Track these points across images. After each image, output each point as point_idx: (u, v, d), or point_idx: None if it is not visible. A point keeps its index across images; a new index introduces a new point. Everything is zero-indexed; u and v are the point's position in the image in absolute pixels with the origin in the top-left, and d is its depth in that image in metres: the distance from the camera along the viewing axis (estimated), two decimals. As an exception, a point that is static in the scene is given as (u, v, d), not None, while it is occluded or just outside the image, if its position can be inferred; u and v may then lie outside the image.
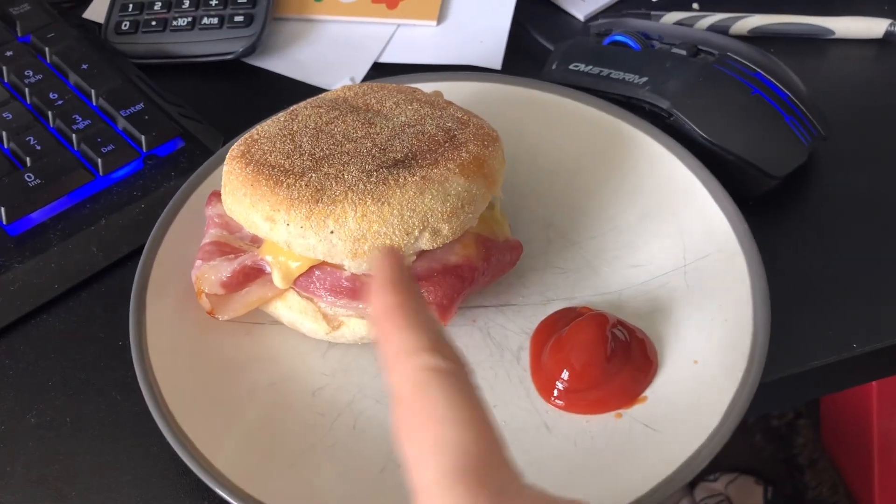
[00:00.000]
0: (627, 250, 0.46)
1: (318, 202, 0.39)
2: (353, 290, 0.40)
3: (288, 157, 0.41)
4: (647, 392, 0.40)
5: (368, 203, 0.38)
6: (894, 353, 0.44)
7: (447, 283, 0.41)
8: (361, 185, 0.39)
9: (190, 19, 0.60)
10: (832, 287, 0.46)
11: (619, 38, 0.54)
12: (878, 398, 0.89)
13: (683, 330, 0.42)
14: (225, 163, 0.42)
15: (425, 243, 0.39)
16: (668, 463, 0.37)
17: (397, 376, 0.27)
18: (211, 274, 0.42)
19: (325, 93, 0.47)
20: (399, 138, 0.41)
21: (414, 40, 0.61)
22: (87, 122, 0.52)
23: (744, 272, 0.43)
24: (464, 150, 0.41)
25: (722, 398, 0.38)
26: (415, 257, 0.40)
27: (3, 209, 0.47)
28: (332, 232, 0.38)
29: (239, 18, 0.59)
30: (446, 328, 0.43)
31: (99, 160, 0.50)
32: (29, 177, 0.49)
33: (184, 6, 0.61)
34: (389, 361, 0.27)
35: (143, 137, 0.51)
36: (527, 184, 0.49)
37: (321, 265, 0.40)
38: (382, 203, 0.38)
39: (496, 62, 0.59)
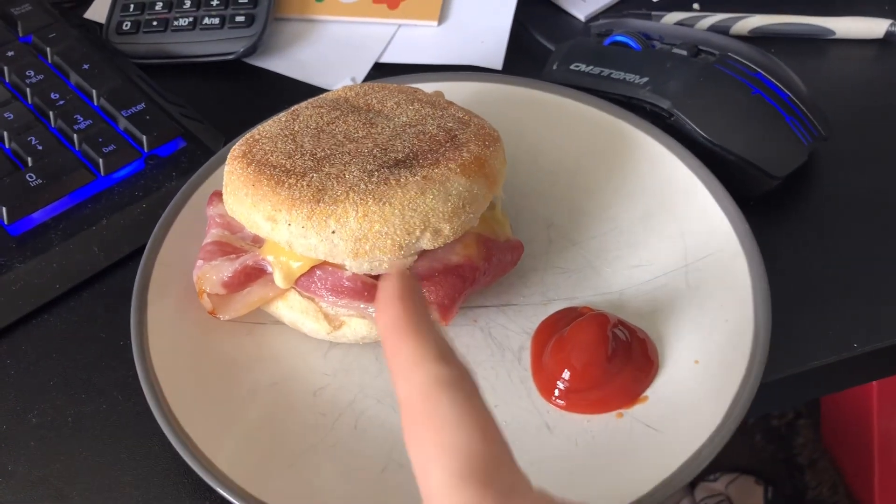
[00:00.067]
0: (628, 250, 0.46)
1: (319, 202, 0.39)
2: (354, 289, 0.40)
3: (289, 157, 0.41)
4: (648, 392, 0.40)
5: (370, 203, 0.38)
6: (895, 353, 0.44)
7: (448, 282, 0.41)
8: (363, 185, 0.39)
9: (191, 19, 0.60)
10: (833, 287, 0.46)
11: (619, 38, 0.54)
12: (879, 398, 0.89)
13: (684, 330, 0.42)
14: (226, 163, 0.42)
15: (426, 243, 0.39)
16: (669, 463, 0.37)
17: (406, 385, 0.27)
18: (212, 274, 0.42)
19: (327, 93, 0.47)
20: (400, 138, 0.41)
21: (415, 40, 0.61)
22: (88, 122, 0.52)
23: (745, 272, 0.43)
24: (465, 150, 0.41)
25: (723, 398, 0.38)
26: (416, 257, 0.40)
27: (4, 209, 0.47)
28: (333, 232, 0.38)
29: (240, 18, 0.60)
30: (448, 332, 0.43)
31: (100, 160, 0.50)
32: (30, 177, 0.49)
33: (185, 6, 0.61)
34: (398, 371, 0.28)
35: (144, 137, 0.51)
36: (528, 184, 0.49)
37: (322, 265, 0.40)
38: (384, 203, 0.38)
39: (497, 62, 0.59)
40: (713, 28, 0.60)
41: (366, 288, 0.40)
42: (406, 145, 0.41)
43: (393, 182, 0.39)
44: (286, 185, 0.39)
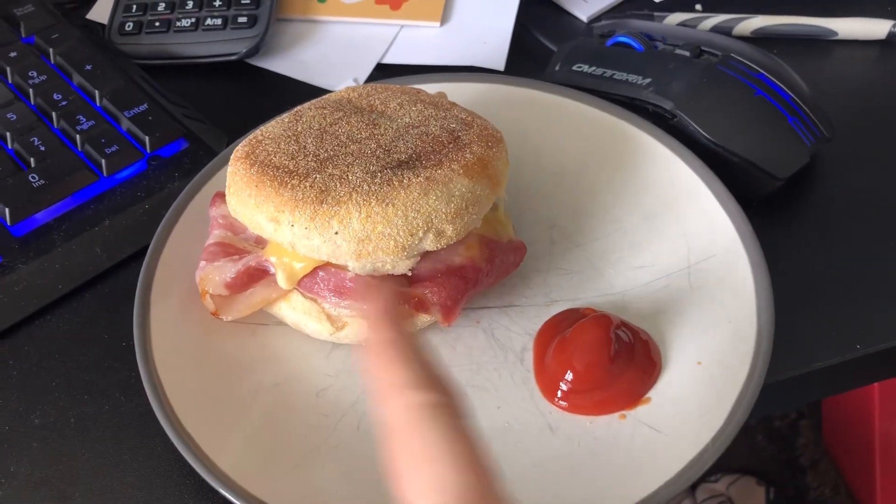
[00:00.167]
0: (631, 251, 0.46)
1: (322, 203, 0.39)
2: (357, 290, 0.40)
3: (292, 158, 0.41)
4: (651, 393, 0.40)
5: (373, 204, 0.38)
6: (897, 355, 0.44)
7: (451, 284, 0.41)
8: (366, 186, 0.39)
9: (193, 20, 0.60)
10: (835, 288, 0.46)
11: (622, 39, 0.54)
12: (880, 399, 0.89)
13: (687, 331, 0.42)
14: (229, 163, 0.42)
15: (429, 244, 0.39)
16: (672, 464, 0.37)
17: (389, 412, 0.27)
18: (215, 275, 0.42)
19: (329, 94, 0.47)
20: (403, 139, 0.41)
21: (417, 41, 0.61)
22: (90, 123, 0.52)
23: (747, 273, 0.43)
24: (468, 151, 0.41)
25: (726, 399, 0.38)
26: (419, 258, 0.40)
27: (7, 210, 0.47)
28: (336, 233, 0.38)
29: (242, 19, 0.60)
30: (451, 333, 0.43)
31: (103, 161, 0.50)
32: (33, 177, 0.49)
33: (187, 7, 0.61)
34: (381, 396, 0.28)
35: (146, 138, 0.51)
36: (530, 185, 0.49)
37: (325, 266, 0.40)
38: (387, 204, 0.38)
39: (499, 63, 0.59)
40: (716, 29, 0.60)
41: (367, 288, 0.40)
42: (409, 146, 0.41)
43: (396, 183, 0.39)
44: (289, 186, 0.39)
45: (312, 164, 0.40)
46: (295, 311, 0.42)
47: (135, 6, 0.61)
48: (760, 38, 0.60)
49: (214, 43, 0.59)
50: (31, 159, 0.50)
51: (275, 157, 0.41)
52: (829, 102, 0.51)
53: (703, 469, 0.37)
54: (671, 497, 0.36)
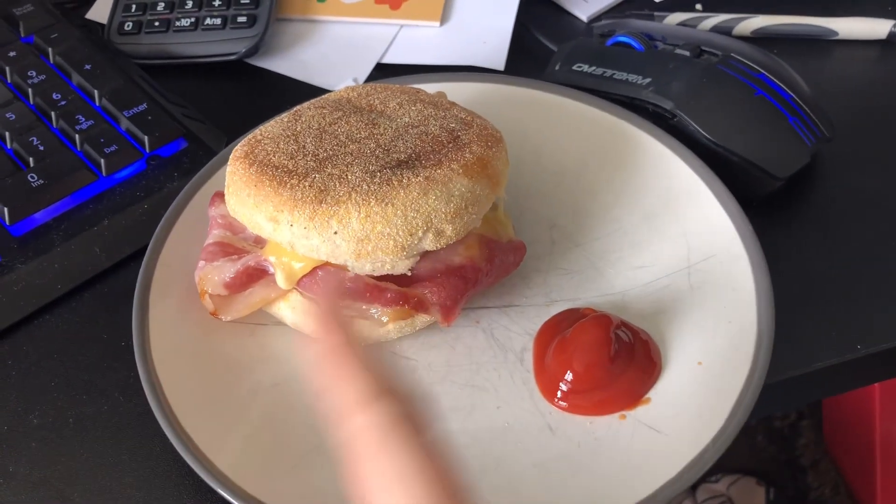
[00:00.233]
0: (631, 251, 0.46)
1: (321, 203, 0.38)
2: (356, 291, 0.40)
3: (291, 158, 0.41)
4: (651, 393, 0.40)
5: (372, 204, 0.38)
6: (898, 355, 0.44)
7: (451, 284, 0.41)
8: (365, 186, 0.39)
9: (193, 20, 0.60)
10: (836, 288, 0.46)
11: (622, 38, 0.54)
12: (881, 399, 0.88)
13: (687, 331, 0.42)
14: (228, 163, 0.42)
15: (429, 244, 0.39)
16: (672, 465, 0.37)
17: (345, 433, 0.27)
18: (214, 274, 0.42)
19: (329, 93, 0.47)
20: (403, 139, 0.41)
21: (417, 41, 0.61)
22: (90, 123, 0.52)
23: (748, 273, 0.43)
24: (467, 150, 0.41)
25: (726, 400, 0.38)
26: (418, 258, 0.40)
27: (6, 209, 0.47)
28: (335, 233, 0.38)
29: (242, 19, 0.59)
30: (450, 333, 0.43)
31: (102, 161, 0.50)
32: (32, 177, 0.49)
33: (187, 7, 0.61)
34: (336, 418, 0.27)
35: (146, 138, 0.51)
36: (530, 185, 0.49)
37: (325, 266, 0.40)
38: (386, 204, 0.38)
39: (499, 63, 0.59)
40: (716, 29, 0.60)
41: (368, 289, 0.40)
42: (408, 146, 0.41)
43: (395, 183, 0.39)
44: (288, 185, 0.39)
45: (311, 163, 0.40)
46: (294, 310, 0.42)
47: (134, 6, 0.61)
48: (761, 38, 0.60)
49: (214, 43, 0.59)
50: (30, 159, 0.50)
51: (274, 156, 0.41)
52: (829, 102, 0.51)
53: (703, 469, 0.37)
54: (672, 497, 0.36)
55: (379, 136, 0.42)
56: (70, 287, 0.47)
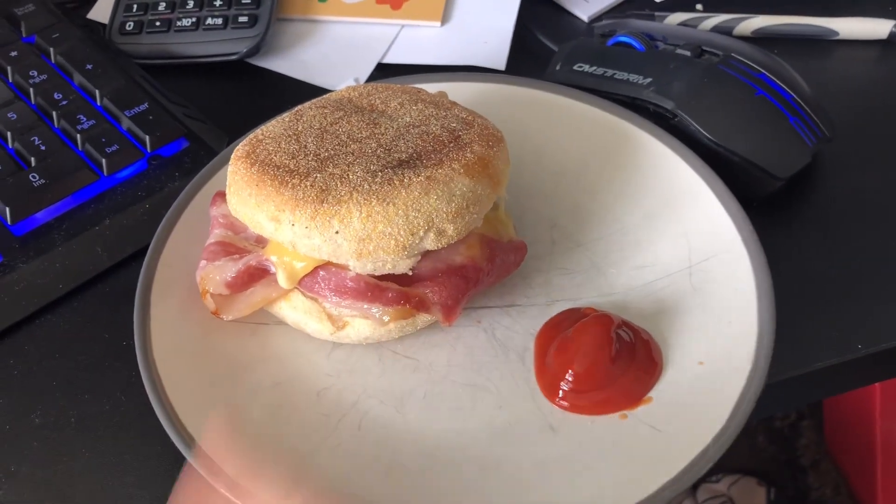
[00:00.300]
0: (632, 251, 0.46)
1: (323, 202, 0.39)
2: (357, 290, 0.40)
3: (293, 158, 0.41)
4: (652, 393, 0.40)
5: (374, 203, 0.38)
6: (899, 355, 0.44)
7: (452, 283, 0.41)
8: (366, 186, 0.39)
9: (194, 20, 0.60)
10: (837, 288, 0.46)
11: (623, 38, 0.54)
12: (882, 399, 0.89)
13: (688, 331, 0.42)
14: (230, 163, 0.42)
15: (430, 243, 0.39)
16: (674, 464, 0.37)
17: None
18: (216, 274, 0.42)
19: (330, 93, 0.47)
20: (404, 139, 0.41)
21: (418, 41, 0.61)
22: (91, 123, 0.52)
23: (748, 273, 0.43)
24: (468, 150, 0.41)
25: (727, 399, 0.38)
26: (419, 257, 0.40)
27: (7, 209, 0.47)
28: (337, 232, 0.38)
29: (243, 19, 0.60)
30: (451, 332, 0.43)
31: (103, 160, 0.50)
32: (33, 177, 0.49)
33: (188, 7, 0.61)
34: None
35: (147, 138, 0.51)
36: (531, 184, 0.49)
37: (326, 265, 0.40)
38: (387, 203, 0.38)
39: (500, 63, 0.59)
40: (716, 29, 0.60)
41: (369, 288, 0.40)
42: (410, 146, 0.41)
43: (397, 182, 0.39)
44: (290, 185, 0.39)
45: (313, 163, 0.40)
46: (296, 310, 0.42)
47: (135, 6, 0.61)
48: (761, 38, 0.60)
49: (215, 42, 0.59)
50: (32, 158, 0.50)
51: (275, 156, 0.41)
52: (830, 102, 0.51)
53: (704, 469, 0.37)
54: (673, 497, 0.36)
55: (380, 136, 0.42)
56: (71, 287, 0.47)
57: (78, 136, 0.51)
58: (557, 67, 0.55)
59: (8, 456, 0.42)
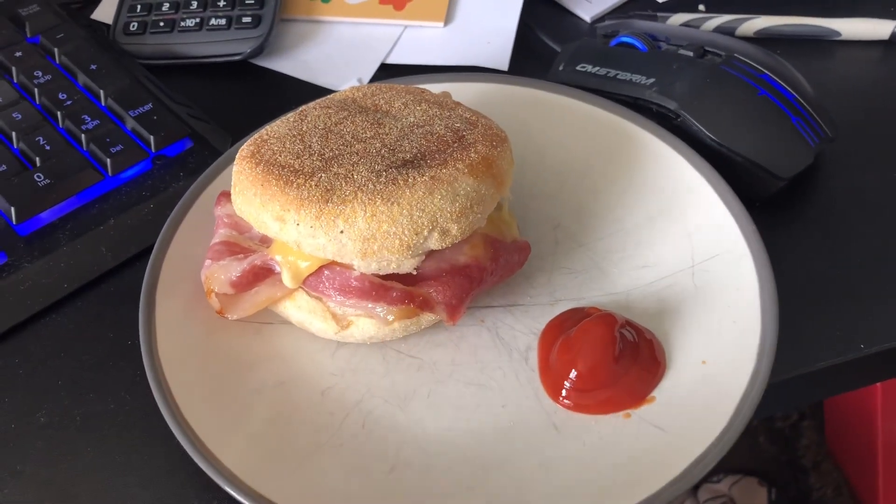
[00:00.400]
0: (635, 251, 0.46)
1: (327, 202, 0.39)
2: (362, 289, 0.40)
3: (298, 158, 0.41)
4: (656, 392, 0.40)
5: (378, 203, 0.38)
6: (901, 355, 0.44)
7: (456, 283, 0.41)
8: (371, 185, 0.39)
9: (198, 20, 0.60)
10: (839, 288, 0.46)
11: (625, 39, 0.54)
12: (883, 400, 0.89)
13: (691, 330, 0.42)
14: (235, 162, 0.43)
15: (434, 243, 0.40)
16: (676, 463, 0.37)
17: None
18: (220, 273, 0.42)
19: (334, 93, 0.47)
20: (408, 139, 0.42)
21: (421, 41, 0.61)
22: (95, 123, 0.52)
23: (751, 273, 0.43)
24: (472, 150, 0.41)
25: (730, 399, 0.38)
26: (423, 257, 0.40)
27: (12, 209, 0.48)
28: (341, 232, 0.38)
29: (247, 19, 0.60)
30: (455, 332, 0.43)
31: (108, 160, 0.50)
32: (38, 177, 0.49)
33: (192, 7, 0.61)
34: None
35: (151, 138, 0.51)
36: (535, 184, 0.49)
37: (330, 265, 0.41)
38: (392, 203, 0.39)
39: (503, 63, 0.59)
40: (719, 29, 0.60)
41: (374, 288, 0.40)
42: (414, 146, 0.41)
43: (401, 182, 0.39)
44: (295, 185, 0.39)
45: (318, 163, 0.40)
46: (300, 309, 0.42)
47: (139, 6, 0.62)
48: (764, 39, 0.60)
49: (219, 43, 0.59)
50: (37, 158, 0.50)
51: (280, 156, 0.41)
52: (832, 102, 0.51)
53: (707, 468, 0.37)
54: (675, 496, 0.36)
55: (384, 136, 0.42)
56: (76, 286, 0.48)
57: (82, 136, 0.51)
58: (560, 68, 0.55)
59: (13, 455, 0.42)
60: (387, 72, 0.60)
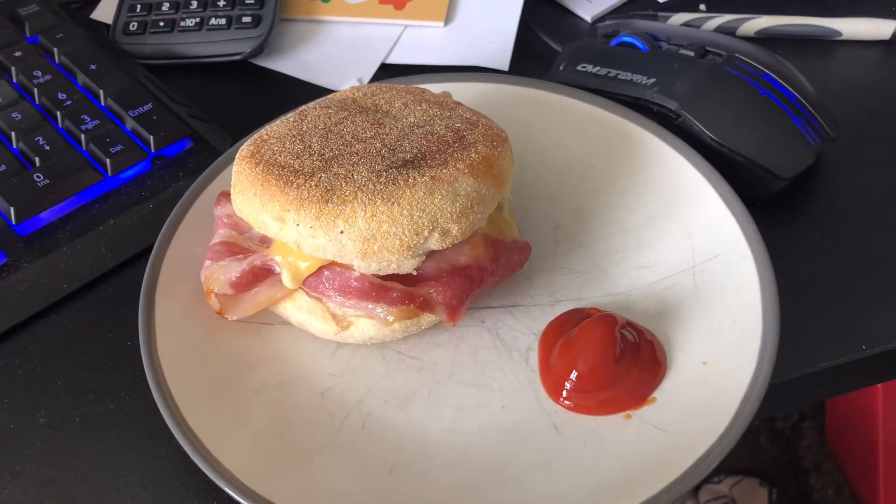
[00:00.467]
0: (636, 251, 0.46)
1: (327, 202, 0.39)
2: (362, 290, 0.40)
3: (297, 158, 0.41)
4: (656, 393, 0.40)
5: (378, 203, 0.38)
6: (903, 355, 0.44)
7: (456, 283, 0.41)
8: (371, 186, 0.39)
9: (198, 20, 0.60)
10: (840, 288, 0.46)
11: (626, 39, 0.54)
12: (884, 400, 0.89)
13: (692, 331, 0.42)
14: (235, 163, 0.42)
15: (434, 243, 0.39)
16: (678, 464, 0.37)
17: None
18: (220, 274, 0.42)
19: (334, 93, 0.47)
20: (408, 139, 0.41)
21: (421, 41, 0.61)
22: (95, 123, 0.52)
23: (752, 273, 0.43)
24: (473, 150, 0.41)
25: (731, 400, 0.38)
26: (424, 257, 0.40)
27: (12, 209, 0.48)
28: (341, 232, 0.38)
29: (247, 19, 0.60)
30: (455, 332, 0.43)
31: (107, 160, 0.50)
32: (38, 177, 0.49)
33: (192, 7, 0.61)
34: None
35: (151, 138, 0.51)
36: (535, 184, 0.49)
37: (330, 265, 0.40)
38: (392, 203, 0.38)
39: (504, 63, 0.59)
40: (720, 29, 0.60)
41: (374, 288, 0.40)
42: (414, 146, 0.41)
43: (401, 182, 0.39)
44: (295, 185, 0.39)
45: (318, 163, 0.40)
46: (300, 310, 0.42)
47: (139, 6, 0.62)
48: (765, 39, 0.60)
49: (218, 43, 0.59)
50: (36, 158, 0.50)
51: (280, 156, 0.41)
52: (833, 103, 0.51)
53: (708, 469, 0.37)
54: (676, 497, 0.36)
55: (384, 136, 0.42)
56: (76, 286, 0.48)
57: (82, 136, 0.51)
58: (561, 68, 0.55)
59: (12, 455, 0.42)
60: (387, 72, 0.60)
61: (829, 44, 0.60)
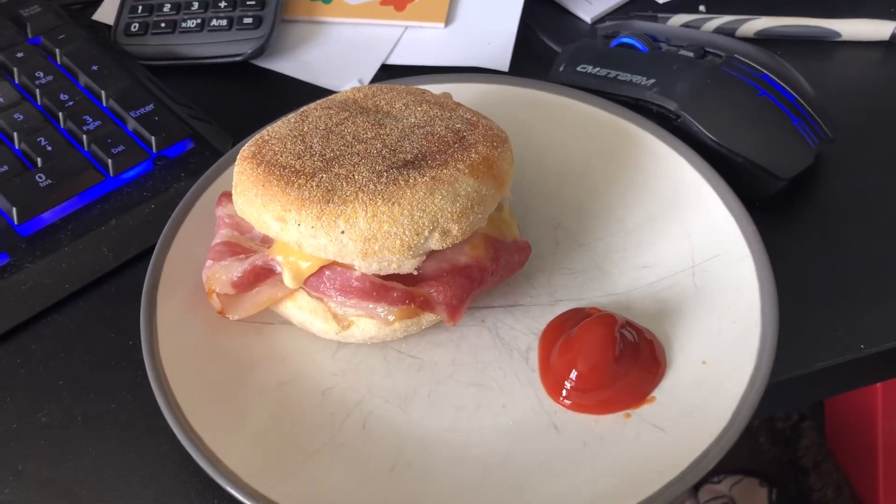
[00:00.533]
0: (635, 251, 0.46)
1: (328, 202, 0.39)
2: (363, 290, 0.40)
3: (299, 158, 0.41)
4: (656, 392, 0.40)
5: (379, 203, 0.39)
6: (901, 355, 0.45)
7: (456, 283, 0.41)
8: (372, 186, 0.39)
9: (199, 21, 0.60)
10: (839, 288, 0.46)
11: (626, 40, 0.54)
12: (884, 400, 0.89)
13: (692, 331, 0.42)
14: (236, 163, 0.43)
15: (435, 243, 0.40)
16: (677, 463, 0.37)
17: None
18: (222, 274, 0.42)
19: (335, 94, 0.47)
20: (409, 139, 0.42)
21: (422, 42, 0.61)
22: (97, 123, 0.52)
23: (751, 273, 0.43)
24: (473, 150, 0.41)
25: (730, 399, 0.38)
26: (424, 257, 0.40)
27: (14, 209, 0.48)
28: (342, 232, 0.39)
29: (248, 20, 0.60)
30: (456, 332, 0.43)
31: (109, 161, 0.50)
32: (40, 177, 0.49)
33: (193, 8, 0.61)
34: None
35: (153, 138, 0.51)
36: (535, 185, 0.49)
37: (331, 265, 0.41)
38: (393, 203, 0.39)
39: (504, 64, 0.59)
40: (719, 30, 0.60)
41: (374, 288, 0.40)
42: (415, 146, 0.41)
43: (402, 182, 0.39)
44: (296, 185, 0.39)
45: (319, 163, 0.40)
46: (301, 310, 0.42)
47: (140, 7, 0.62)
48: (764, 40, 0.60)
49: (220, 44, 0.60)
50: (38, 159, 0.50)
51: (281, 156, 0.41)
52: (832, 103, 0.51)
53: (707, 468, 0.37)
54: (675, 496, 0.36)
55: (385, 137, 0.42)
56: (77, 286, 0.48)
57: (84, 136, 0.51)
58: (561, 69, 0.55)
59: (14, 455, 0.42)
60: (387, 72, 0.60)
61: (828, 45, 0.60)
